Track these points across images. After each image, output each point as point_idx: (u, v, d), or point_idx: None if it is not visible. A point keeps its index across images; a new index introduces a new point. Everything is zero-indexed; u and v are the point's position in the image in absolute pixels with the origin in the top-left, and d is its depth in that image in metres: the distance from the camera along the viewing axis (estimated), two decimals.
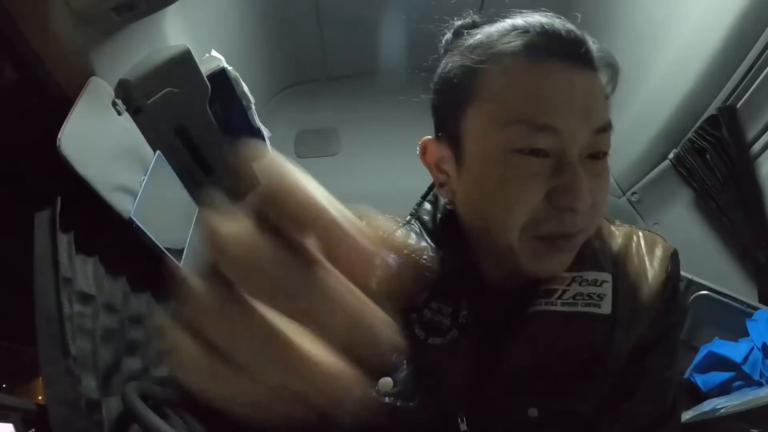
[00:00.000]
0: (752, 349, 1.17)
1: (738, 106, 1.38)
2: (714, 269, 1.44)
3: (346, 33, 2.27)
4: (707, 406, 1.12)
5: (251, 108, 1.61)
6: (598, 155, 0.51)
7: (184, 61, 1.30)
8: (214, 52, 1.51)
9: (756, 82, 1.33)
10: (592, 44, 0.52)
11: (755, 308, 1.29)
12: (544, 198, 0.49)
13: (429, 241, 0.61)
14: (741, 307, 1.31)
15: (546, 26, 0.51)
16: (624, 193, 1.84)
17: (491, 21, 0.55)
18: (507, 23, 0.53)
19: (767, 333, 1.18)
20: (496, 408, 0.55)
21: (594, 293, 0.56)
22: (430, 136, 0.60)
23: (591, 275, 0.57)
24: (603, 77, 0.53)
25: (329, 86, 2.44)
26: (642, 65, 1.72)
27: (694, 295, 1.35)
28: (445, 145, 0.57)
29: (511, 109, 0.50)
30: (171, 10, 1.23)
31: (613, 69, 0.55)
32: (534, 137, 0.49)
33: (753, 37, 1.31)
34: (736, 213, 1.37)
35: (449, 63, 0.56)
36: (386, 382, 0.54)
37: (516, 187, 0.50)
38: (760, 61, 1.31)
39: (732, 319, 1.29)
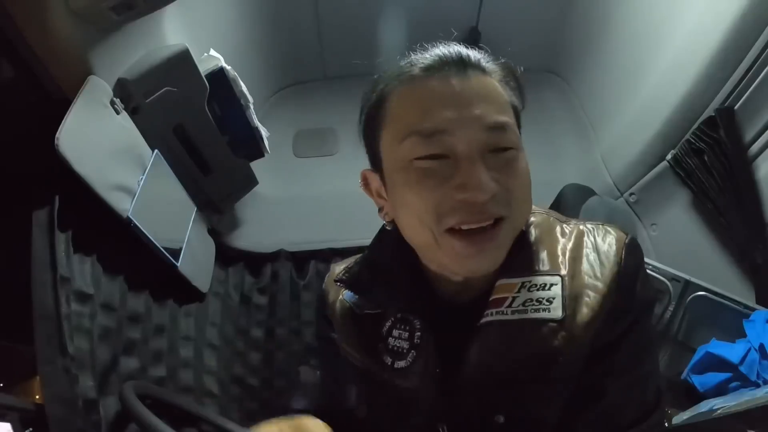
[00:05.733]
0: (749, 349, 1.17)
1: (736, 107, 1.38)
2: (711, 270, 1.44)
3: (345, 33, 2.27)
4: (704, 406, 1.12)
5: (249, 107, 1.61)
6: (501, 150, 0.54)
7: (183, 60, 1.30)
8: (212, 52, 1.51)
9: (754, 84, 1.33)
10: (483, 57, 0.58)
11: (752, 309, 1.29)
12: (448, 194, 0.53)
13: (383, 268, 0.67)
14: (738, 307, 1.31)
15: (435, 52, 0.58)
16: (622, 194, 1.84)
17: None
18: (411, 58, 0.60)
19: (764, 334, 1.18)
20: (466, 417, 0.59)
21: (543, 297, 0.57)
22: (368, 168, 0.65)
23: (539, 279, 0.58)
24: (497, 81, 0.58)
25: (328, 86, 2.44)
26: (640, 66, 1.72)
27: (691, 296, 1.36)
28: (376, 172, 0.63)
29: (404, 123, 0.56)
30: (169, 9, 1.22)
31: (506, 69, 0.60)
32: (427, 144, 0.54)
33: (751, 39, 1.31)
34: (734, 214, 1.37)
35: (368, 98, 0.62)
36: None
37: (415, 191, 0.55)
38: (758, 62, 1.31)
39: (729, 320, 1.29)
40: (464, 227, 0.53)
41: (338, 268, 0.78)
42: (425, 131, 0.54)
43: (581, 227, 0.63)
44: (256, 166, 1.78)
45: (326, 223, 1.98)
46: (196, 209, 1.56)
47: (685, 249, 1.56)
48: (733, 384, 1.17)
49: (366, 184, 0.66)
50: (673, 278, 1.38)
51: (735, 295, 1.33)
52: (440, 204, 0.53)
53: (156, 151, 1.30)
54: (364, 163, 0.65)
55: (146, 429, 1.08)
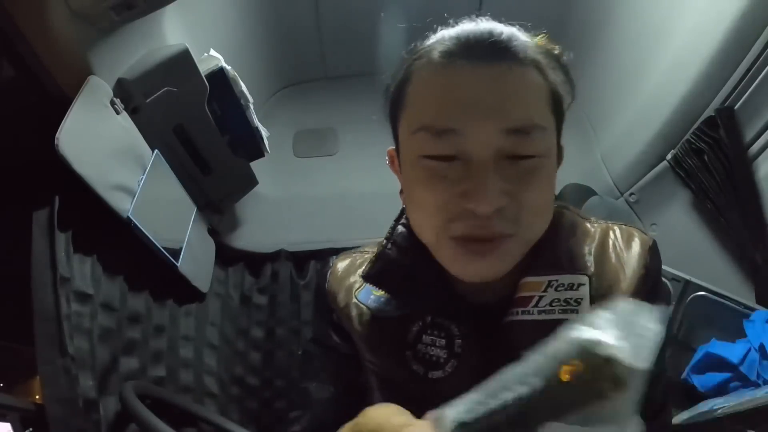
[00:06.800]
0: (749, 349, 1.18)
1: (736, 107, 1.38)
2: (711, 270, 1.44)
3: (345, 33, 2.27)
4: (704, 406, 1.12)
5: (249, 107, 1.61)
6: (521, 158, 0.49)
7: (183, 60, 1.30)
8: (212, 52, 1.51)
9: (754, 84, 1.33)
10: (520, 40, 0.50)
11: (752, 309, 1.29)
12: (454, 200, 0.48)
13: (406, 264, 0.61)
14: (738, 307, 1.31)
15: (462, 31, 0.51)
16: (622, 194, 1.84)
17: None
18: (438, 34, 0.54)
19: (764, 334, 1.18)
20: None
21: (571, 298, 0.54)
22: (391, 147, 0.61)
23: (567, 278, 0.55)
24: (534, 72, 0.50)
25: (328, 86, 2.44)
26: (640, 66, 1.72)
27: (691, 296, 1.36)
28: (397, 153, 0.59)
29: (417, 115, 0.51)
30: (169, 9, 1.22)
31: (550, 54, 0.53)
32: (436, 142, 0.49)
33: (751, 39, 1.31)
34: (734, 214, 1.37)
35: (395, 75, 0.57)
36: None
37: (423, 190, 0.50)
38: (758, 62, 1.31)
39: (729, 320, 1.29)
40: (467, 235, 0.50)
41: (342, 263, 0.70)
42: (434, 129, 0.49)
43: (605, 226, 0.61)
44: (256, 166, 1.78)
45: (326, 223, 1.98)
46: (196, 209, 1.56)
47: (686, 249, 1.56)
48: (733, 384, 1.17)
49: (392, 162, 0.61)
50: (673, 278, 1.38)
51: (735, 295, 1.33)
52: (446, 209, 0.49)
53: (156, 151, 1.30)
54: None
55: (146, 429, 1.08)
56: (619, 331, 0.28)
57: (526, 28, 0.54)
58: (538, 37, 0.55)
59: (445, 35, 0.52)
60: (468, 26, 0.52)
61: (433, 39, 0.54)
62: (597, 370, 0.28)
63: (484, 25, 0.51)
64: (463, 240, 0.49)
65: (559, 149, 0.57)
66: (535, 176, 0.49)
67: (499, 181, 0.47)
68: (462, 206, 0.48)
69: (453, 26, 0.53)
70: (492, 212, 0.47)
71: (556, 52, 0.55)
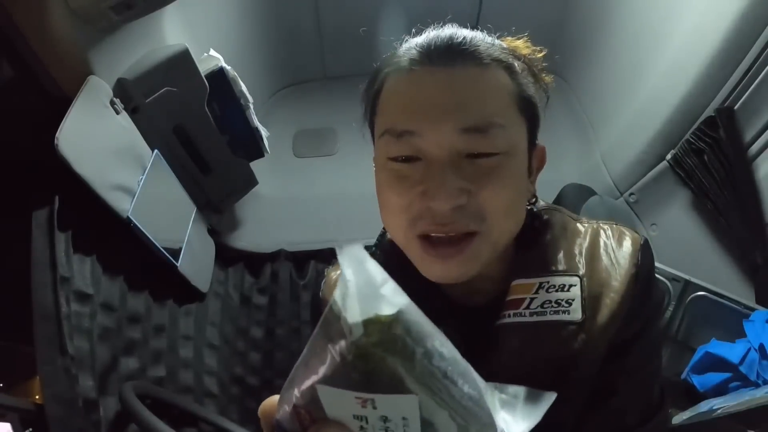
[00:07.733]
0: (749, 349, 1.18)
1: (736, 107, 1.38)
2: (711, 270, 1.44)
3: (345, 33, 2.27)
4: (704, 406, 1.12)
5: (249, 107, 1.61)
6: (481, 155, 0.50)
7: (183, 60, 1.30)
8: (212, 52, 1.51)
9: (754, 84, 1.33)
10: (482, 42, 0.52)
11: (752, 309, 1.29)
12: (418, 199, 0.50)
13: (391, 271, 0.61)
14: (738, 307, 1.31)
15: (426, 39, 0.53)
16: (621, 194, 1.84)
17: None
18: (406, 43, 0.56)
19: (764, 334, 1.18)
20: None
21: (562, 299, 0.54)
22: None
23: (558, 280, 0.55)
24: (497, 73, 0.52)
25: (327, 86, 2.44)
26: (640, 66, 1.72)
27: (691, 296, 1.36)
28: None
29: (383, 120, 0.54)
30: (169, 9, 1.22)
31: (516, 55, 0.55)
32: (397, 144, 0.51)
33: (751, 39, 1.31)
34: (734, 214, 1.37)
35: (370, 86, 0.59)
36: None
37: (388, 191, 0.53)
38: (758, 62, 1.31)
39: (729, 320, 1.29)
40: (433, 234, 0.51)
41: (335, 272, 0.73)
42: (395, 131, 0.51)
43: (595, 226, 0.61)
44: (256, 166, 1.78)
45: (326, 223, 1.98)
46: (196, 209, 1.56)
47: (685, 249, 1.56)
48: (733, 384, 1.17)
49: None
50: (673, 278, 1.38)
51: (735, 295, 1.33)
52: (409, 209, 0.51)
53: (156, 151, 1.30)
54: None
55: (146, 429, 1.08)
56: (343, 285, 0.25)
57: (509, 32, 0.56)
58: (520, 40, 0.57)
59: (411, 43, 0.55)
60: (432, 33, 0.54)
61: (402, 48, 0.56)
62: (332, 326, 0.25)
63: (446, 31, 0.53)
64: (428, 239, 0.51)
65: (536, 149, 0.58)
66: (496, 174, 0.50)
67: (456, 180, 0.48)
68: (423, 205, 0.50)
69: (421, 35, 0.55)
70: (450, 209, 0.48)
71: (529, 53, 0.56)
